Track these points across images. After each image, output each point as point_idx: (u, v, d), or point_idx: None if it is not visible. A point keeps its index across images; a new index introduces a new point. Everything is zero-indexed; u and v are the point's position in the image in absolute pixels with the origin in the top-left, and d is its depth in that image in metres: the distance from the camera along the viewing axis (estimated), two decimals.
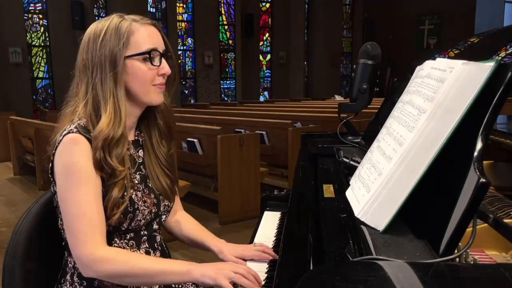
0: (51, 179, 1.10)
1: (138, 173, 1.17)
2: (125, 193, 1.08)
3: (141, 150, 1.20)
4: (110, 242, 1.09)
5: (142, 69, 1.09)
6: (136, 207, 1.11)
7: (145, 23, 1.12)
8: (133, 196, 1.11)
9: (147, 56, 1.09)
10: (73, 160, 1.02)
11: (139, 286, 1.12)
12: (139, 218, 1.12)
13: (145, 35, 1.10)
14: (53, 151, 1.06)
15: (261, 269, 1.13)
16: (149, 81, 1.10)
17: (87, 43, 1.10)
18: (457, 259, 0.67)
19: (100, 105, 1.08)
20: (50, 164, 1.08)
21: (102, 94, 1.07)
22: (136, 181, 1.15)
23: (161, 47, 1.13)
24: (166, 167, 1.21)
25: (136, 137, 1.21)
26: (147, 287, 1.13)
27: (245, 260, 1.19)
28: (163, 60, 1.12)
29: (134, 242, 1.14)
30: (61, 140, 1.04)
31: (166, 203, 1.21)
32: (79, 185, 1.01)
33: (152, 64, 1.10)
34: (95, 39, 1.09)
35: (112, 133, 1.05)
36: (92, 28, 1.11)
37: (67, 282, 1.12)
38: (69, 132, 1.04)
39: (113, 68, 1.06)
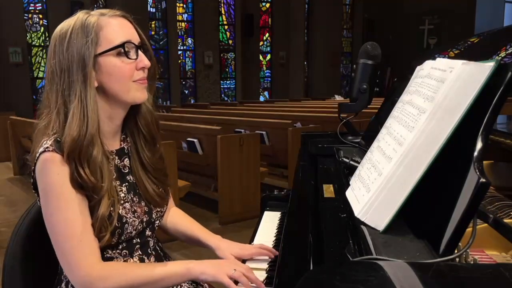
0: (35, 194, 1.04)
1: (124, 184, 1.10)
2: (113, 213, 1.02)
3: (126, 159, 1.13)
4: (102, 254, 1.05)
5: (117, 65, 1.00)
6: (124, 221, 1.05)
7: (113, 15, 1.03)
8: (120, 210, 1.05)
9: (121, 49, 1.00)
10: (51, 180, 0.96)
11: None
12: (129, 231, 1.07)
13: (116, 28, 1.01)
14: (33, 167, 1.01)
15: (261, 268, 1.13)
16: (128, 78, 1.02)
17: (53, 48, 1.02)
18: (457, 259, 0.67)
19: (68, 110, 0.99)
20: (32, 180, 1.03)
21: (69, 98, 0.99)
22: (123, 194, 1.08)
23: (135, 39, 1.03)
24: (152, 173, 1.15)
25: (122, 144, 1.14)
26: None
27: (243, 261, 1.17)
28: (140, 53, 1.03)
29: (127, 251, 1.10)
30: (38, 158, 0.98)
31: (158, 209, 1.17)
32: (63, 207, 0.96)
33: (128, 57, 1.01)
34: (61, 41, 1.00)
35: (81, 139, 0.97)
36: (57, 30, 1.02)
37: None
38: (45, 150, 0.97)
39: (82, 69, 0.98)
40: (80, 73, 0.98)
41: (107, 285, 0.97)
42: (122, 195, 1.08)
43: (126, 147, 1.15)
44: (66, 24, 1.02)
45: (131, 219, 1.08)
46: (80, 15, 1.02)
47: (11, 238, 1.16)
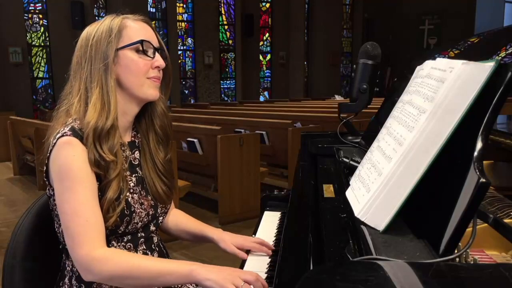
0: (46, 182, 1.08)
1: (134, 175, 1.15)
2: (121, 195, 1.07)
3: (137, 152, 1.19)
4: (108, 245, 1.07)
5: (135, 60, 1.08)
6: (132, 209, 1.10)
7: (137, 19, 1.13)
8: (129, 199, 1.09)
9: (140, 46, 1.08)
10: (68, 162, 1.01)
11: None
12: (136, 221, 1.11)
13: (138, 29, 1.10)
14: (48, 155, 1.05)
15: (261, 268, 1.13)
16: (142, 73, 1.09)
17: (80, 43, 1.12)
18: (457, 259, 0.67)
19: (89, 96, 1.07)
20: (45, 168, 1.07)
21: (90, 85, 1.07)
22: (132, 184, 1.13)
23: (154, 42, 1.12)
24: (163, 173, 1.20)
25: (133, 138, 1.20)
26: None
27: (244, 250, 1.22)
28: (157, 54, 1.12)
29: (131, 244, 1.13)
30: (55, 143, 1.03)
31: (163, 206, 1.21)
32: (75, 186, 1.00)
33: (145, 55, 1.09)
34: (87, 37, 1.10)
35: (101, 124, 1.03)
36: (86, 29, 1.13)
37: (66, 285, 1.11)
38: (62, 135, 1.02)
39: (103, 59, 1.06)
40: (102, 63, 1.07)
41: (105, 268, 0.97)
42: (132, 184, 1.13)
43: (137, 141, 1.20)
44: (94, 25, 1.12)
45: (138, 210, 1.11)
46: (107, 17, 1.12)
47: (11, 238, 1.16)
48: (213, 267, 0.99)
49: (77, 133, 1.03)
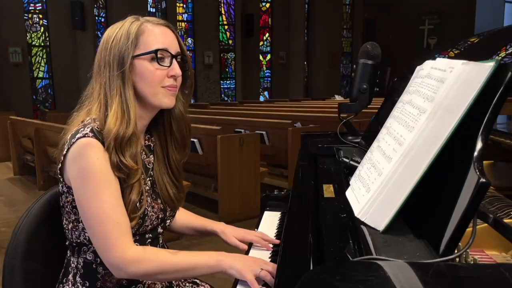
0: (60, 179, 1.08)
1: (148, 179, 1.16)
2: (142, 198, 1.08)
3: (152, 156, 1.19)
4: None
5: (149, 69, 1.07)
6: (146, 212, 1.10)
7: (157, 23, 1.10)
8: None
9: (154, 55, 1.07)
10: (91, 164, 1.00)
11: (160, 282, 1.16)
12: (147, 224, 1.12)
13: (156, 35, 1.08)
14: (64, 152, 1.04)
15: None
16: (157, 82, 1.08)
17: (101, 46, 1.11)
18: (457, 259, 0.67)
19: (108, 102, 1.07)
20: (60, 165, 1.06)
21: (110, 93, 1.07)
22: (147, 187, 1.14)
23: (173, 49, 1.10)
24: (176, 176, 1.21)
25: (147, 142, 1.20)
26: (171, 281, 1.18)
27: (245, 243, 1.28)
28: (174, 62, 1.09)
29: (138, 244, 1.13)
30: (74, 143, 1.01)
31: (171, 210, 1.22)
32: (102, 189, 1.00)
33: (159, 64, 1.07)
34: (107, 40, 1.09)
35: (122, 132, 1.03)
36: (107, 30, 1.12)
37: (69, 282, 1.12)
38: (84, 136, 1.01)
39: (120, 67, 1.06)
40: (119, 70, 1.06)
41: (139, 268, 1.00)
42: (147, 187, 1.14)
43: (152, 145, 1.21)
44: (115, 27, 1.11)
45: (150, 213, 1.13)
46: (128, 19, 1.11)
47: (11, 238, 1.16)
48: (237, 256, 1.06)
49: (97, 136, 1.02)
